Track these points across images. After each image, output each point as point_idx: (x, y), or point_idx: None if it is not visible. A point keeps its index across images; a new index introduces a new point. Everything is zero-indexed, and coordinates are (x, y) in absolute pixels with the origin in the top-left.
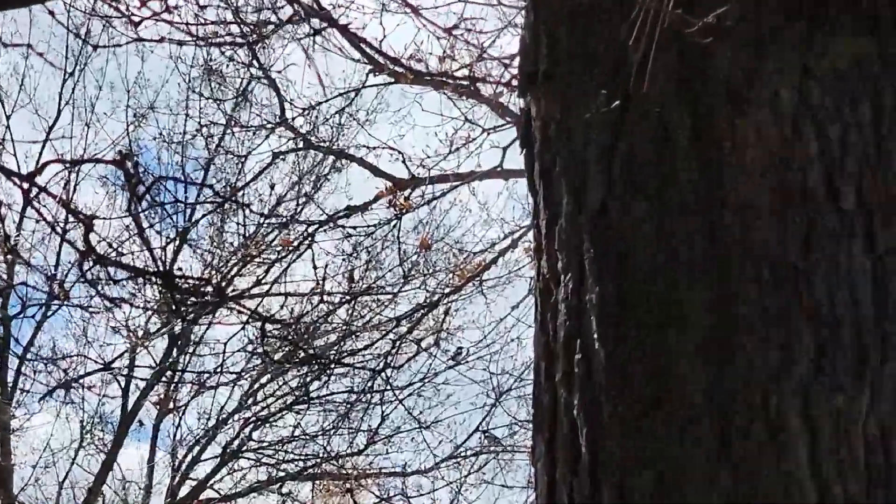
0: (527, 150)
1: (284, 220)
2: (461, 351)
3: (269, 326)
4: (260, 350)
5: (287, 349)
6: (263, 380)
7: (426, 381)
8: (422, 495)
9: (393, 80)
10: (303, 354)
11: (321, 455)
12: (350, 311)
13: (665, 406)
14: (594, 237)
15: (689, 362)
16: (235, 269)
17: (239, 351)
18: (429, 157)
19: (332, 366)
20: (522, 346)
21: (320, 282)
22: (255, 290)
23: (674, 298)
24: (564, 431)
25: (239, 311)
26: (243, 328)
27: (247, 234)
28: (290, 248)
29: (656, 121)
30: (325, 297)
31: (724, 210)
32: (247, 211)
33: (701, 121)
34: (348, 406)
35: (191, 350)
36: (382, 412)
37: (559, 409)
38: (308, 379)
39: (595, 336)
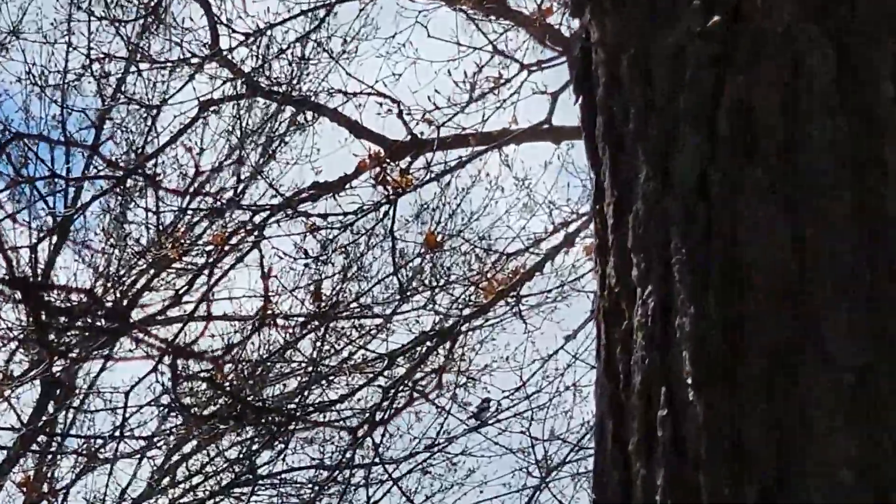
0: (584, 97)
1: (218, 204)
2: (488, 405)
3: (192, 365)
4: (179, 402)
5: (221, 402)
6: (187, 448)
7: (435, 450)
8: None
9: None
10: (245, 409)
11: None
12: (318, 344)
13: (796, 487)
14: (688, 229)
15: (831, 421)
16: (143, 279)
17: (150, 404)
18: (438, 108)
19: (292, 427)
20: (582, 396)
21: (272, 299)
22: (174, 312)
23: (810, 325)
24: None
25: (148, 344)
26: (155, 369)
27: (160, 227)
28: (227, 248)
29: (782, 51)
30: (280, 323)
31: (886, 189)
32: (161, 191)
33: (849, 51)
34: (315, 489)
35: (76, 403)
36: (368, 497)
37: (634, 492)
38: (255, 447)
39: (689, 381)
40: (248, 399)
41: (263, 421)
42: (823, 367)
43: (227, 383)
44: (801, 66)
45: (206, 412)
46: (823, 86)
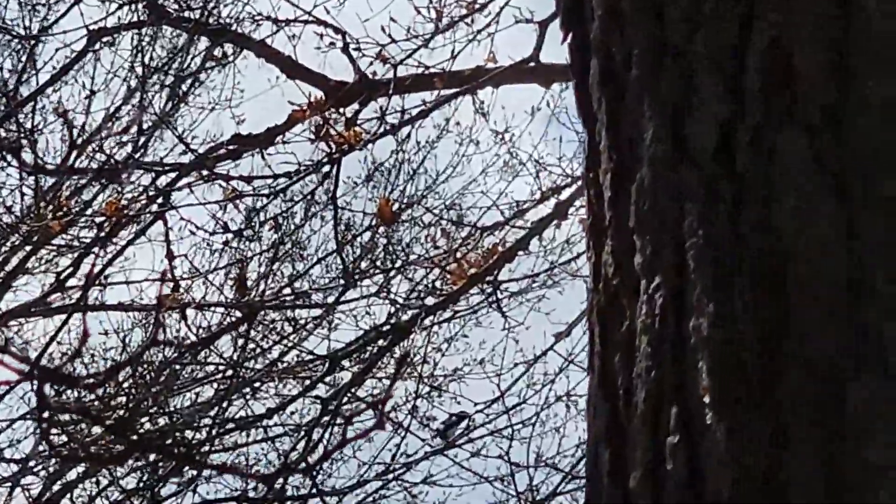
0: (574, 34)
1: (111, 164)
2: (458, 421)
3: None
4: (48, 439)
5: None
6: (72, 475)
7: (390, 478)
8: None
9: None
10: (130, 449)
11: None
12: (241, 342)
13: None
14: (708, 206)
15: (894, 452)
16: (15, 258)
17: (22, 419)
18: (395, 41)
19: (204, 452)
20: (578, 410)
21: (180, 285)
22: (54, 301)
23: (867, 332)
24: None
25: (6, 365)
26: (30, 377)
27: (38, 193)
28: (124, 219)
29: None
30: (189, 318)
31: None
32: (36, 147)
33: None
34: None
35: None
36: None
37: None
38: (158, 474)
39: (707, 400)
40: (136, 435)
41: (163, 453)
42: (884, 384)
43: (115, 410)
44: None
45: (84, 449)
46: (885, 27)
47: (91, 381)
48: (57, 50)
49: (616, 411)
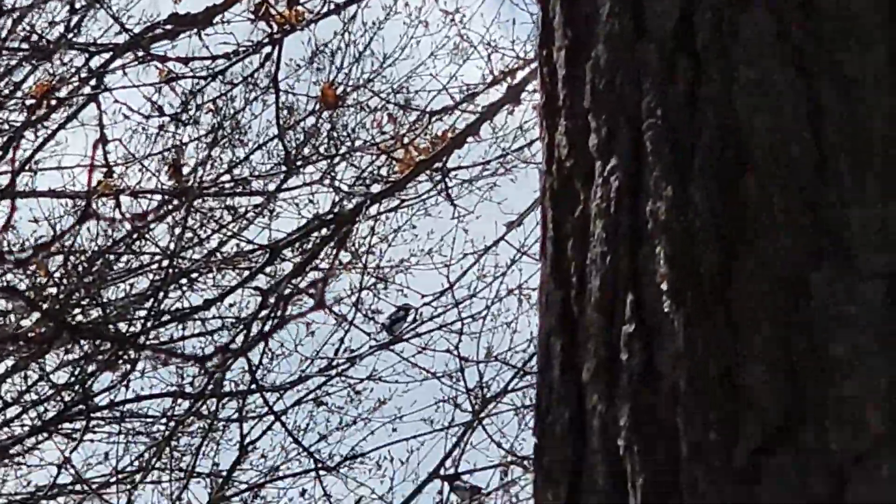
0: None
1: (43, 44)
2: (404, 314)
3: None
4: None
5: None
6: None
7: (333, 374)
8: None
9: None
10: (59, 332)
11: None
12: (177, 231)
13: (807, 431)
14: (666, 85)
15: (854, 345)
16: None
17: None
18: None
19: (137, 344)
20: (531, 303)
21: (113, 171)
22: None
23: (828, 219)
24: (599, 482)
25: None
26: None
27: None
28: (54, 101)
29: None
30: (123, 205)
31: None
32: None
33: None
34: (171, 424)
35: None
36: (242, 436)
37: (589, 435)
38: (90, 369)
39: (665, 287)
40: (67, 319)
41: (98, 340)
42: (844, 275)
43: (41, 289)
44: None
45: (14, 339)
46: None
47: (19, 256)
48: None
49: (569, 300)
